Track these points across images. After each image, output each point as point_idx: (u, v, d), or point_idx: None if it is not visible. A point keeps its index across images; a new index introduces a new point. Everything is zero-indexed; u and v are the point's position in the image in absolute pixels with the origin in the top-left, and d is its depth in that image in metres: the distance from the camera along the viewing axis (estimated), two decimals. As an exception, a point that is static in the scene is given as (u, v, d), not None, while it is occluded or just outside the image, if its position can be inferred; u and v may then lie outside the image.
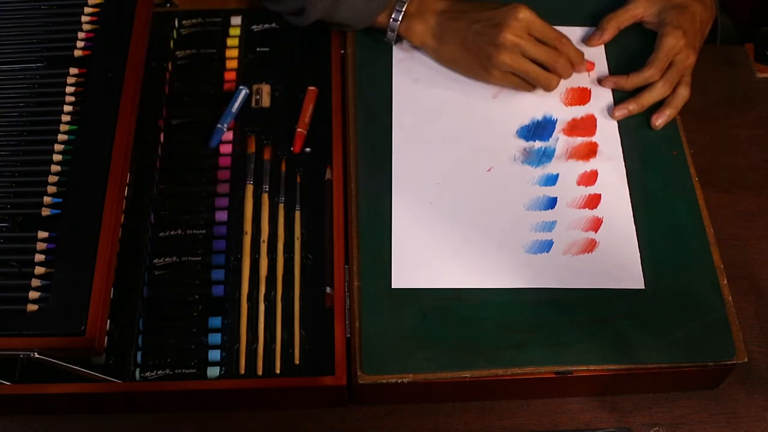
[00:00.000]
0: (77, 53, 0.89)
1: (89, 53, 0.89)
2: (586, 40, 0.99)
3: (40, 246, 0.78)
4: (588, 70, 0.96)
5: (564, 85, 0.95)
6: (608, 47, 0.98)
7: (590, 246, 0.86)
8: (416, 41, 0.95)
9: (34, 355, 0.74)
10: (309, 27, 0.96)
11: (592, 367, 0.79)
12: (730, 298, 0.83)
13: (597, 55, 0.98)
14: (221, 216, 0.89)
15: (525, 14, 0.90)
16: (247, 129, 0.95)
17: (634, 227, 0.87)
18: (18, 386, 0.78)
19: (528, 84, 0.94)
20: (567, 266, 0.84)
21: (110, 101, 0.85)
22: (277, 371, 0.81)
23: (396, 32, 0.94)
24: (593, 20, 0.99)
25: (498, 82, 0.93)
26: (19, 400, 0.80)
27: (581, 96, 0.95)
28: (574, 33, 0.99)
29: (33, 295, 0.75)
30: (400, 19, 0.93)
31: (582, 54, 0.94)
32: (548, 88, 0.93)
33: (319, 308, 0.84)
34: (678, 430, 0.82)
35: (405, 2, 0.93)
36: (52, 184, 0.81)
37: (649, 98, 0.93)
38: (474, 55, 0.92)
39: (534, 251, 0.85)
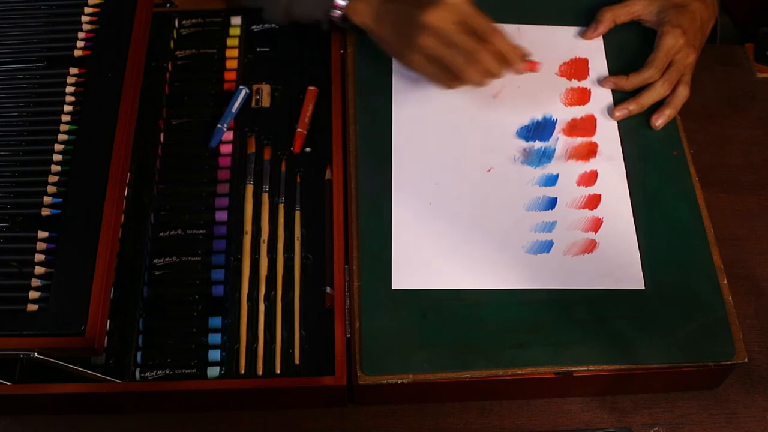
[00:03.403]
0: (77, 53, 0.89)
1: (89, 53, 0.89)
2: (582, 34, 0.98)
3: (40, 246, 0.78)
4: (531, 70, 0.89)
5: (564, 85, 0.95)
6: (608, 47, 0.98)
7: (590, 246, 0.86)
8: (357, 20, 0.91)
9: (34, 355, 0.74)
10: (302, 27, 0.96)
11: (592, 367, 0.79)
12: (730, 298, 0.83)
13: (597, 55, 0.98)
14: (221, 216, 0.89)
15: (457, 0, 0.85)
16: (247, 129, 0.95)
17: (634, 227, 0.87)
18: (18, 386, 0.78)
19: (449, 76, 0.87)
20: (567, 267, 0.84)
21: (110, 101, 0.85)
22: (277, 371, 0.81)
23: (343, 12, 0.91)
24: (588, 21, 0.99)
25: (418, 68, 0.88)
26: (19, 400, 0.80)
27: (581, 96, 0.95)
28: (569, 33, 0.99)
29: (33, 295, 0.75)
30: None
31: (520, 52, 0.87)
32: (466, 81, 0.87)
33: (319, 308, 0.84)
34: (678, 430, 0.82)
35: None
36: (52, 184, 0.81)
37: (649, 98, 0.93)
38: (399, 36, 0.88)
39: (534, 252, 0.85)
